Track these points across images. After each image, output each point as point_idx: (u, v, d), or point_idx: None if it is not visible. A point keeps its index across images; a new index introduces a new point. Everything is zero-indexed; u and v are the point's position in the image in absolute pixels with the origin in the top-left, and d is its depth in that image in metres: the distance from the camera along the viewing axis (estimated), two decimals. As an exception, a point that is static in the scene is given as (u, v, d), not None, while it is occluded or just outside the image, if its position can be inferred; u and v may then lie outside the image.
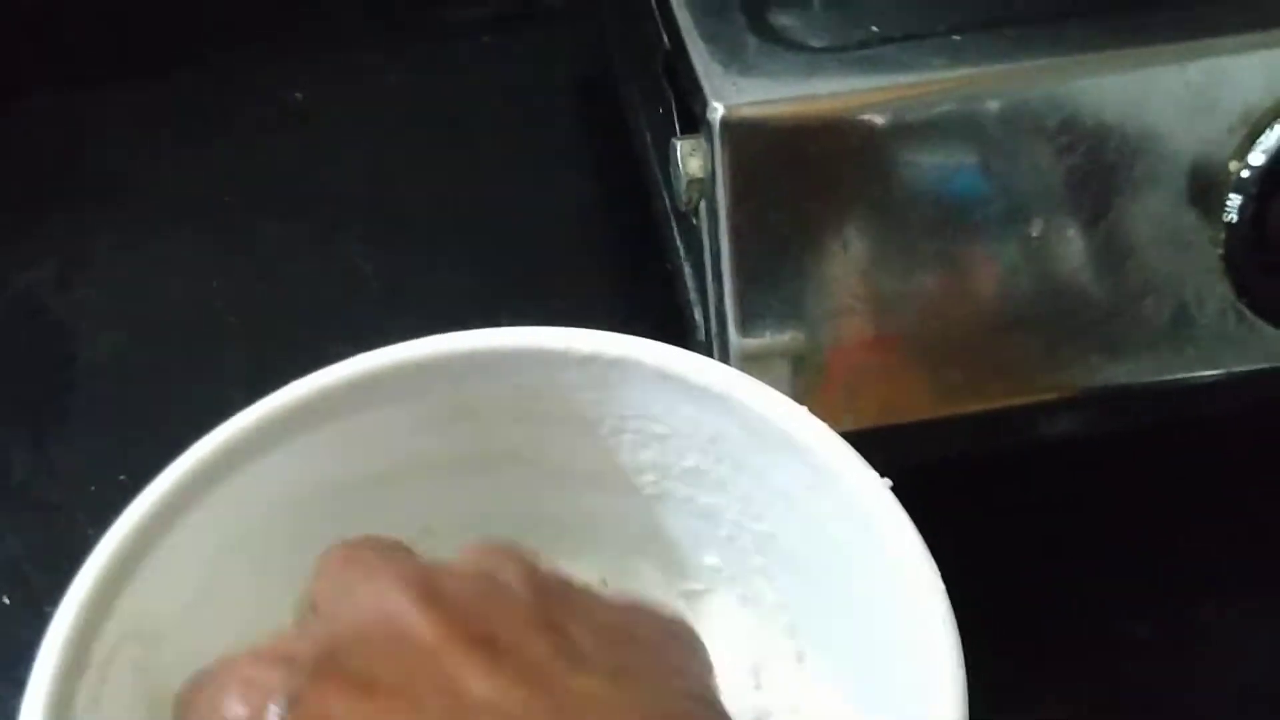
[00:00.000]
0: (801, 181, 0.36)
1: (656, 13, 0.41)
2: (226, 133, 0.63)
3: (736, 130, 0.35)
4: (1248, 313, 0.39)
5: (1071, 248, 0.38)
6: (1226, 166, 0.37)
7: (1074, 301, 0.39)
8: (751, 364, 0.38)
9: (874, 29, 0.37)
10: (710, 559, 0.38)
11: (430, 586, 0.27)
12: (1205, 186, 0.37)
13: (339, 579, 0.28)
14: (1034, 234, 0.37)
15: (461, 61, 0.66)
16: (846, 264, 0.37)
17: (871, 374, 0.39)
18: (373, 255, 0.57)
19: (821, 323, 0.38)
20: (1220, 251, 0.38)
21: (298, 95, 0.64)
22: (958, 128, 0.36)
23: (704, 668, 0.29)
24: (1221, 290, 0.39)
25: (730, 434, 0.34)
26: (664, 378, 0.34)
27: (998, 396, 0.40)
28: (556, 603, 0.28)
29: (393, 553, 0.28)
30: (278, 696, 0.25)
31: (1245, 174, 0.37)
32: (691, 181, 0.37)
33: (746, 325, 0.38)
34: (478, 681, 0.25)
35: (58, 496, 0.50)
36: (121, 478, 0.49)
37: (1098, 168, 0.37)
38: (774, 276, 0.37)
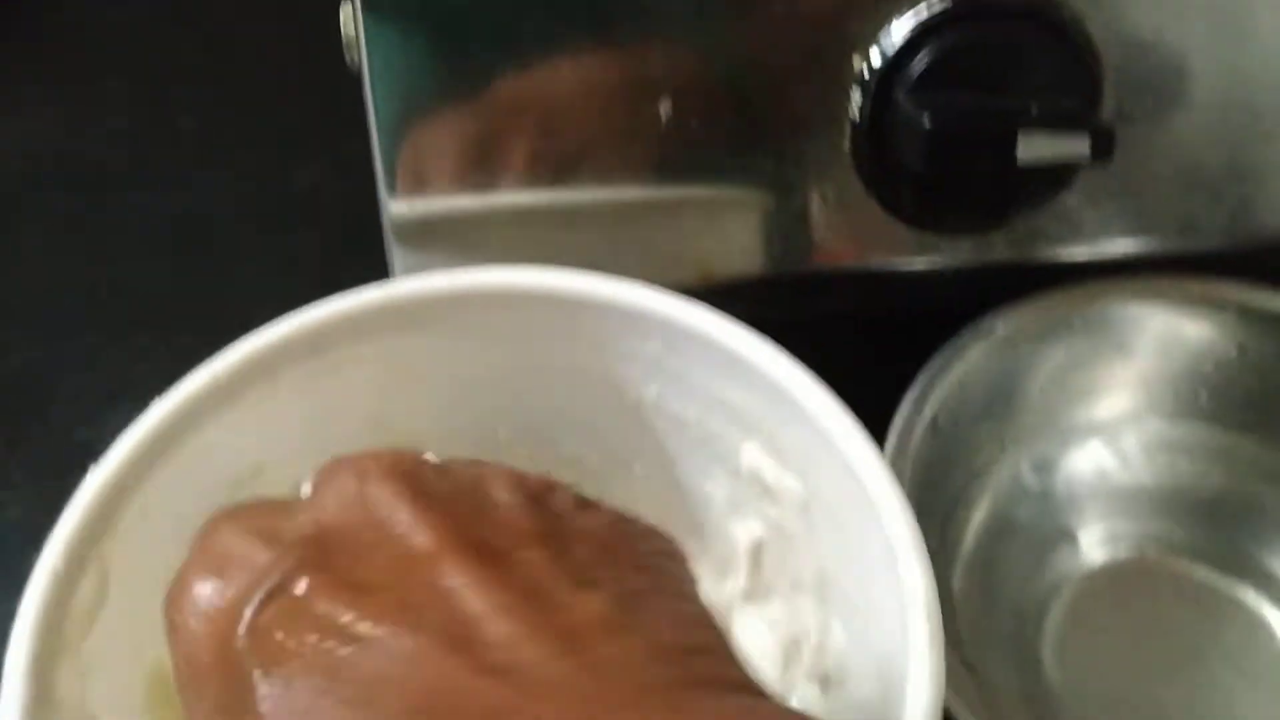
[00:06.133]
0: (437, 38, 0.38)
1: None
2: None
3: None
4: (879, 207, 0.41)
5: (709, 133, 0.40)
6: (852, 63, 0.39)
7: (720, 189, 0.40)
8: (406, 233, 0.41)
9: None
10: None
11: (421, 486, 0.25)
12: (836, 83, 0.39)
13: (329, 473, 0.26)
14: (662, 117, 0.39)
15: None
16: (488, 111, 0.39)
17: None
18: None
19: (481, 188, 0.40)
20: (847, 147, 0.39)
21: None
22: None
23: (694, 582, 0.28)
24: (854, 184, 0.40)
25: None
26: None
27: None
28: (552, 514, 0.26)
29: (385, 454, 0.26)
30: (263, 582, 0.24)
31: (866, 73, 0.38)
32: (349, 42, 0.39)
33: (399, 188, 0.40)
34: (476, 597, 0.23)
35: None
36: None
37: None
38: (419, 136, 0.39)
